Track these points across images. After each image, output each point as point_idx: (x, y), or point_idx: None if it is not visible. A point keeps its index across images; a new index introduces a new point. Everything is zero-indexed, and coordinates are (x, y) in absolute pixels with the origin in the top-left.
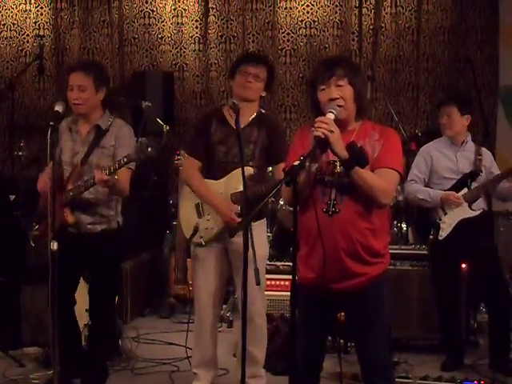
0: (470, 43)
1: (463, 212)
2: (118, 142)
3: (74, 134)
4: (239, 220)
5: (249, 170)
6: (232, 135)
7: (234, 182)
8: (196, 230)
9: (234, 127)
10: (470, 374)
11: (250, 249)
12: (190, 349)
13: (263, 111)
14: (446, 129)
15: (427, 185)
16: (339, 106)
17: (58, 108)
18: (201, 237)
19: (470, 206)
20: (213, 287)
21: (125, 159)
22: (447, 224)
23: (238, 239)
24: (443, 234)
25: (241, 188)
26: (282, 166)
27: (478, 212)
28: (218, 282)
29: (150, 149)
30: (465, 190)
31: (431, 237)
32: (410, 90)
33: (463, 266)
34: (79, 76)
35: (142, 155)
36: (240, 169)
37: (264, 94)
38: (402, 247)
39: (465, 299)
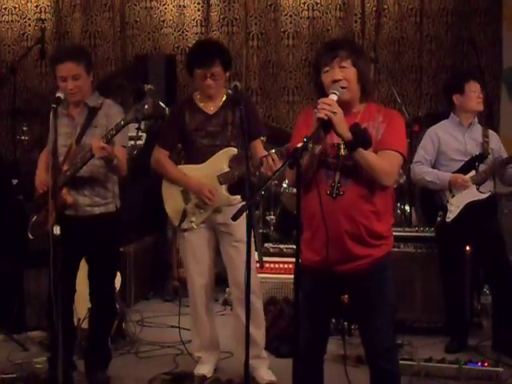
0: (473, 25)
1: (472, 194)
2: (110, 120)
3: (65, 118)
4: (212, 196)
5: (233, 151)
6: (208, 120)
7: (218, 163)
8: (184, 215)
9: (208, 113)
10: (473, 355)
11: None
12: (187, 329)
13: (230, 92)
14: (481, 104)
15: (434, 166)
16: (343, 87)
17: (60, 94)
18: (191, 221)
19: (478, 189)
20: (205, 269)
21: (122, 122)
22: (455, 206)
23: (227, 220)
24: (451, 216)
25: (226, 169)
26: (259, 142)
27: (486, 195)
28: (209, 263)
29: (146, 106)
30: (472, 173)
31: (439, 219)
32: (413, 71)
33: (467, 248)
34: (70, 66)
35: (139, 114)
36: (224, 150)
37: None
38: (406, 229)
39: (469, 281)
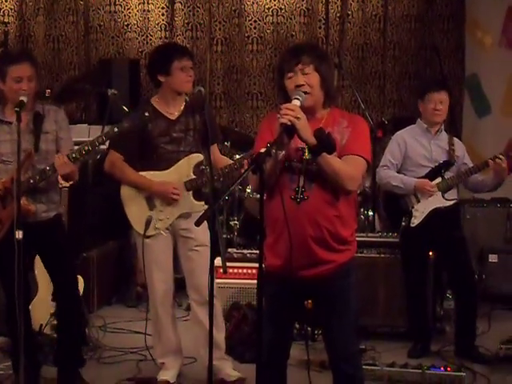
0: (436, 31)
1: (437, 201)
2: (59, 125)
3: (5, 125)
4: (179, 195)
5: (199, 157)
6: (171, 125)
7: (184, 169)
8: (148, 222)
9: (171, 118)
10: (436, 360)
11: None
12: (150, 335)
13: (187, 99)
14: (439, 115)
15: (399, 171)
16: (305, 92)
17: (23, 98)
18: (157, 227)
19: (443, 196)
20: (167, 275)
21: (115, 129)
22: (420, 212)
23: (190, 225)
24: (415, 221)
25: (192, 175)
26: (215, 146)
27: (451, 202)
28: (170, 269)
29: (147, 113)
30: (438, 180)
31: (403, 224)
32: (376, 77)
33: (430, 253)
34: (26, 67)
35: (140, 121)
36: (190, 156)
37: None
38: (369, 235)
39: (431, 287)
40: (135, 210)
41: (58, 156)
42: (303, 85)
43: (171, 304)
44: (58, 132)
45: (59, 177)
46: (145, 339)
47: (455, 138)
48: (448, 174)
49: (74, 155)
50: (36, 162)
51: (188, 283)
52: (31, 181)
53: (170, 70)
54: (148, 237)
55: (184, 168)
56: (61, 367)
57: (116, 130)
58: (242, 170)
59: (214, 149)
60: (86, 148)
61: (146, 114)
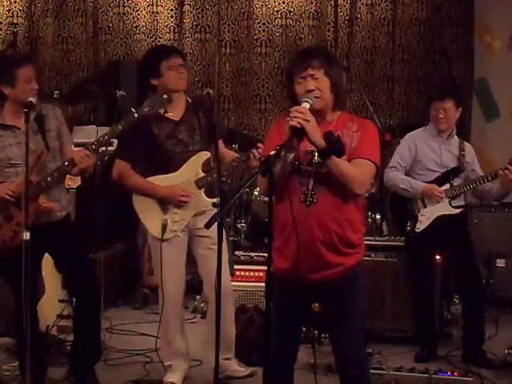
0: (445, 35)
1: (444, 208)
2: (59, 121)
3: (8, 129)
4: (188, 197)
5: (206, 155)
6: (177, 127)
7: (193, 168)
8: (164, 226)
9: (175, 119)
10: (443, 365)
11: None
12: (156, 337)
13: (189, 100)
14: (442, 123)
15: (408, 173)
16: (316, 96)
17: (32, 99)
18: (174, 230)
19: (450, 202)
20: (180, 277)
21: (135, 115)
22: (426, 217)
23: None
24: (421, 226)
25: (201, 173)
26: (221, 141)
27: (458, 210)
28: (182, 271)
29: (165, 96)
30: (447, 186)
31: (408, 228)
32: (385, 81)
33: (437, 257)
34: (32, 68)
35: (158, 105)
36: (197, 155)
37: None
38: (377, 239)
39: (439, 291)
40: (150, 216)
41: (77, 150)
42: (314, 90)
43: (181, 306)
44: (59, 128)
45: (67, 177)
46: (155, 341)
47: (466, 143)
48: (457, 181)
49: (93, 146)
50: (48, 161)
51: (206, 283)
52: (49, 178)
53: (160, 71)
54: (165, 240)
55: (193, 167)
56: (76, 361)
57: (136, 115)
58: (251, 163)
59: (221, 143)
60: (106, 137)
61: (165, 96)
